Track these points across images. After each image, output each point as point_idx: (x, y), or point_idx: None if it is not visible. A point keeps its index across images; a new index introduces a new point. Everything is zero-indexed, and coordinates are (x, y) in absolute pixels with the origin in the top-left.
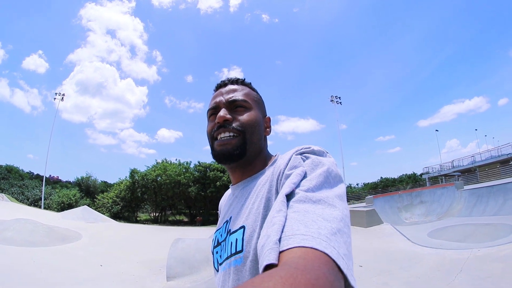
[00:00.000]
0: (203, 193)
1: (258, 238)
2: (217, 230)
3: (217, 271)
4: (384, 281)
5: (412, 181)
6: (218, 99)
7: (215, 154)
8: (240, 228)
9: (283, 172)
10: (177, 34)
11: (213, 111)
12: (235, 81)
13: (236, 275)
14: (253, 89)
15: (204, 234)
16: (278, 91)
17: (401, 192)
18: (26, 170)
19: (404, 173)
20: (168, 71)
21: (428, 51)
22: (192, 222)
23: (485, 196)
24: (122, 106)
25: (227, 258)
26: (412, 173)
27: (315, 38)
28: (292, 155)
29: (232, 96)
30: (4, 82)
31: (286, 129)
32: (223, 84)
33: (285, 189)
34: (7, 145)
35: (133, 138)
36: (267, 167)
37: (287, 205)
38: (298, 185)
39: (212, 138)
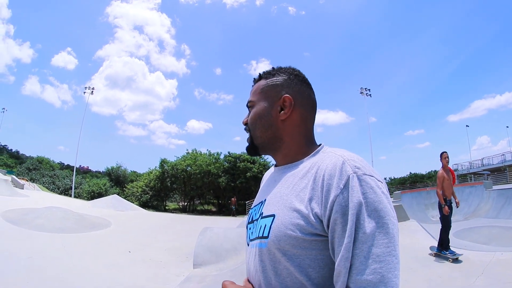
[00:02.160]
0: (232, 184)
1: (284, 228)
2: (253, 207)
3: (248, 245)
4: (405, 278)
5: None
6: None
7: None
8: (271, 215)
9: (330, 188)
10: (204, 28)
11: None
12: (255, 80)
13: (259, 256)
14: (269, 76)
15: (232, 224)
16: None
17: (429, 188)
18: (57, 161)
19: (433, 169)
20: (197, 64)
21: (458, 42)
22: (220, 212)
23: None
24: (151, 99)
25: (255, 238)
26: None
27: (343, 29)
28: (342, 168)
29: (247, 101)
30: (35, 79)
31: (315, 122)
32: (253, 85)
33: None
34: (38, 138)
35: (163, 129)
36: (307, 157)
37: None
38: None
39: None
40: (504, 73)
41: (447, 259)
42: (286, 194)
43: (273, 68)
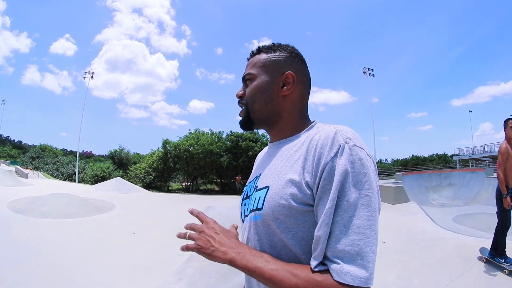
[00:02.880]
0: (234, 163)
1: (278, 197)
2: (248, 183)
3: (243, 221)
4: (403, 260)
5: (442, 162)
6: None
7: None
8: (265, 187)
9: (321, 156)
10: (205, 8)
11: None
12: (252, 53)
13: (254, 229)
14: (270, 51)
15: (234, 203)
16: (309, 62)
17: (430, 171)
18: (60, 147)
19: (435, 153)
20: (198, 44)
21: (465, 27)
22: (223, 191)
23: None
24: (153, 80)
25: (250, 212)
26: (443, 153)
27: (347, 8)
28: (334, 138)
29: (244, 73)
30: (34, 68)
31: (318, 101)
32: (249, 58)
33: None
34: (41, 126)
35: (165, 110)
36: (302, 132)
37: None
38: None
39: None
40: (510, 61)
41: (501, 269)
42: (280, 166)
43: (273, 43)
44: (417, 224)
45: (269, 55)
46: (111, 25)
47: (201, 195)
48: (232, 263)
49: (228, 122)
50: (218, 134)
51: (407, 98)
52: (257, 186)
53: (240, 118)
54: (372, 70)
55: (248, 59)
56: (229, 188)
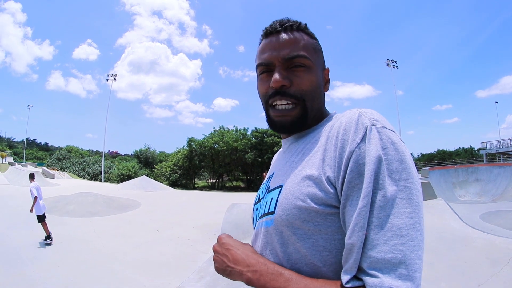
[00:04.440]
0: (260, 159)
1: (293, 198)
2: (261, 186)
3: (254, 228)
4: (430, 261)
5: (469, 156)
6: (271, 54)
7: (272, 124)
8: (278, 187)
9: (345, 143)
10: (224, 7)
11: (265, 68)
12: (291, 27)
13: (265, 237)
14: (311, 35)
15: None
16: (331, 56)
17: (457, 166)
18: (86, 148)
19: (461, 146)
20: (220, 43)
21: (486, 13)
22: (249, 188)
23: None
24: (177, 80)
25: (262, 217)
26: (469, 147)
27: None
28: (358, 120)
29: (289, 52)
30: (58, 74)
31: (342, 95)
32: (275, 31)
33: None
34: (67, 128)
35: (189, 109)
36: (320, 123)
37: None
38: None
39: (266, 103)
40: None
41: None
42: (296, 161)
43: (305, 24)
44: (445, 222)
45: (315, 41)
46: (131, 29)
47: (227, 192)
48: (249, 284)
49: (253, 118)
50: (242, 130)
51: (432, 90)
52: (269, 187)
53: (281, 119)
54: (395, 62)
55: (277, 31)
56: (254, 185)
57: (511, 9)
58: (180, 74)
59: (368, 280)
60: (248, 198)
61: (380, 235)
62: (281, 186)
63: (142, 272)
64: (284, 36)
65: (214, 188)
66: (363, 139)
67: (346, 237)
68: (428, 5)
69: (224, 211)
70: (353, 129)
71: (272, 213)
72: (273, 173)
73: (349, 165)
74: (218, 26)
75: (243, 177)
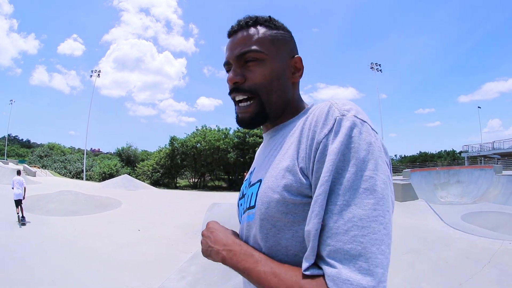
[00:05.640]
0: (242, 159)
1: (271, 191)
2: (244, 181)
3: (240, 223)
4: (411, 261)
5: (451, 158)
6: (228, 54)
7: (237, 120)
8: (258, 181)
9: (315, 135)
10: (211, 6)
11: (228, 67)
12: (245, 25)
13: (247, 230)
14: (273, 26)
15: None
16: (315, 58)
17: (439, 168)
18: (68, 146)
19: (443, 149)
20: (205, 42)
21: (471, 22)
22: (231, 188)
23: None
24: (161, 78)
25: (244, 213)
26: (451, 150)
27: (354, 3)
28: (328, 112)
29: (241, 49)
30: (42, 69)
31: (325, 97)
32: (233, 31)
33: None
34: (49, 125)
35: (173, 107)
36: (297, 116)
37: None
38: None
39: (232, 100)
40: None
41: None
42: (273, 155)
43: (269, 16)
44: (426, 222)
45: (274, 32)
46: (118, 25)
47: (208, 191)
48: (223, 262)
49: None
50: (225, 130)
51: (415, 94)
52: (250, 182)
53: (242, 116)
54: (379, 65)
55: (234, 31)
56: (236, 184)
57: (495, 19)
58: (165, 73)
59: (326, 269)
60: (230, 198)
61: (339, 224)
62: (260, 180)
63: (123, 272)
64: (238, 35)
65: (196, 188)
66: (331, 130)
67: (306, 224)
68: (414, 11)
69: (206, 210)
70: (323, 120)
71: (253, 207)
72: (254, 168)
73: (316, 156)
74: (205, 26)
75: (225, 176)
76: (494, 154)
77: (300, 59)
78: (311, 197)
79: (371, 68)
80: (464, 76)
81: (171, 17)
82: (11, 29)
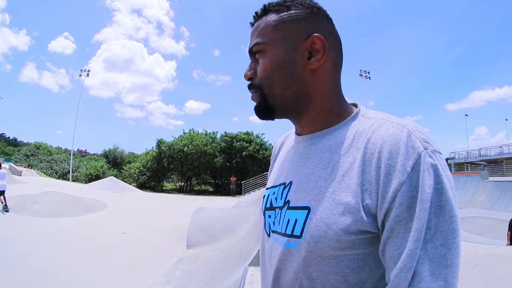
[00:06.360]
0: (228, 164)
1: (326, 227)
2: (271, 187)
3: (268, 235)
4: None
5: None
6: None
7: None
8: (304, 208)
9: (392, 170)
10: (204, 10)
11: None
12: (257, 16)
13: (285, 255)
14: (283, 8)
15: (228, 204)
16: None
17: None
18: (55, 145)
19: None
20: (196, 46)
21: (460, 31)
22: (217, 192)
23: (509, 191)
24: (150, 80)
25: (280, 234)
26: None
27: (342, 10)
28: (407, 142)
29: (250, 44)
30: (32, 66)
31: None
32: (253, 23)
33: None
34: (36, 124)
35: (161, 110)
36: (343, 122)
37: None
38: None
39: None
40: (505, 66)
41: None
42: (323, 178)
43: None
44: None
45: (283, 14)
46: (110, 25)
47: (195, 195)
48: None
49: (224, 123)
50: (212, 134)
51: (402, 101)
52: (289, 201)
53: (254, 104)
54: (368, 72)
55: (252, 24)
56: (223, 189)
57: (482, 28)
58: (154, 75)
59: None
60: (216, 202)
61: (426, 267)
62: (308, 209)
63: (108, 275)
64: (253, 28)
65: (182, 191)
66: (415, 168)
67: (392, 274)
68: (403, 19)
69: (191, 214)
70: (403, 153)
71: (298, 237)
72: (291, 182)
73: (397, 198)
74: (196, 29)
75: (212, 181)
76: (481, 160)
77: (319, 38)
78: (369, 233)
79: (360, 75)
80: (451, 84)
81: (163, 19)
82: (3, 23)
